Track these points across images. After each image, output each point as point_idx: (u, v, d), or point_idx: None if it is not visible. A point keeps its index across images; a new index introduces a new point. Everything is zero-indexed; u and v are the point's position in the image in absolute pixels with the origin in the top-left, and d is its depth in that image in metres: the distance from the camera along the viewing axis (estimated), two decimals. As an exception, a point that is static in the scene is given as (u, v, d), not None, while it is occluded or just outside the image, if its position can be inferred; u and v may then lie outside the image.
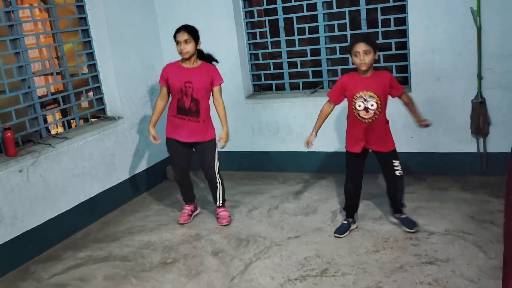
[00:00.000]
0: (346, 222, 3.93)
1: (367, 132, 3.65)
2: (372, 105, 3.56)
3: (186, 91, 4.00)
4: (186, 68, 4.04)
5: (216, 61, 4.19)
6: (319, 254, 3.64)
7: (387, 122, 3.73)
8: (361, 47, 3.45)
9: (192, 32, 3.96)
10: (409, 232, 3.77)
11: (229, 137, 4.18)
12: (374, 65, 3.62)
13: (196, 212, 4.55)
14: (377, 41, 3.62)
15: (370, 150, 3.77)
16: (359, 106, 3.59)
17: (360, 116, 3.61)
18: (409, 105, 3.77)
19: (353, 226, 3.95)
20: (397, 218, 3.89)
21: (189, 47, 3.94)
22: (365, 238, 3.80)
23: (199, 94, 4.02)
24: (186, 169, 4.34)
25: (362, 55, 3.45)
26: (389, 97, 3.71)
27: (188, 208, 4.47)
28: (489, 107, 4.51)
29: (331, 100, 3.76)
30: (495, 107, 4.50)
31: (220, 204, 4.38)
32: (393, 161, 3.70)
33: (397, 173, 3.71)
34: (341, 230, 3.89)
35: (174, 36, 3.98)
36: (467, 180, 4.63)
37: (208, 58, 4.16)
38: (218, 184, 4.31)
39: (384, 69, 5.16)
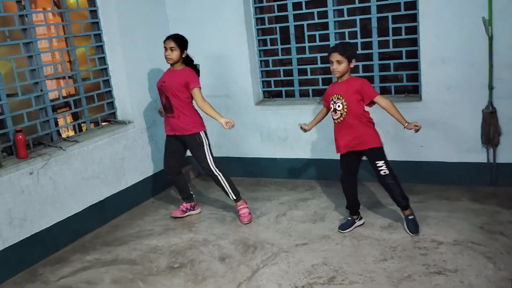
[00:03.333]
0: (350, 218, 4.10)
1: (340, 132, 3.89)
2: (338, 106, 3.82)
3: (161, 89, 4.38)
4: (169, 70, 4.43)
5: (196, 67, 4.47)
6: (326, 261, 3.63)
7: (364, 122, 3.84)
8: (334, 57, 3.75)
9: (178, 41, 4.29)
10: (409, 234, 3.85)
11: (229, 121, 4.21)
12: (356, 74, 3.89)
13: (194, 212, 4.72)
14: (354, 50, 3.85)
15: (359, 153, 3.93)
16: (331, 107, 3.90)
17: (332, 117, 3.91)
18: (388, 109, 3.81)
19: (359, 222, 4.11)
20: (404, 217, 3.96)
21: (173, 55, 4.29)
22: (373, 246, 3.78)
23: (170, 93, 4.31)
24: (174, 168, 4.58)
25: (335, 64, 3.75)
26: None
27: (184, 205, 4.69)
28: (500, 117, 4.48)
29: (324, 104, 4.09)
30: (506, 117, 4.47)
31: (234, 198, 4.45)
32: (376, 162, 3.83)
33: (381, 172, 3.82)
34: (345, 226, 4.07)
35: (164, 42, 4.33)
36: (476, 190, 4.60)
37: (191, 65, 4.45)
38: (219, 177, 4.39)
39: (394, 77, 5.17)
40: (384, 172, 3.81)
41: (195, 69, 4.45)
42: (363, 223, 4.12)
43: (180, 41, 4.30)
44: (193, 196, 4.76)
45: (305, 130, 4.21)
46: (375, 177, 3.94)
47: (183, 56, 4.35)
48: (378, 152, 3.85)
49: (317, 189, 5.08)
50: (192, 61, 4.48)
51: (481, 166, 4.66)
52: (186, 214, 4.69)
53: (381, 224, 4.13)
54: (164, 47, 4.31)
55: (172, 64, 4.37)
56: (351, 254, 3.69)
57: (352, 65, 3.81)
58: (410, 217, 3.92)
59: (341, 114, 3.83)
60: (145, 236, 4.37)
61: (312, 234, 4.10)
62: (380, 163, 3.81)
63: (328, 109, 3.99)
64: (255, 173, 5.57)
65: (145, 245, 4.18)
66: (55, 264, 3.99)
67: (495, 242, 3.65)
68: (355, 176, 4.07)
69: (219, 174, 4.39)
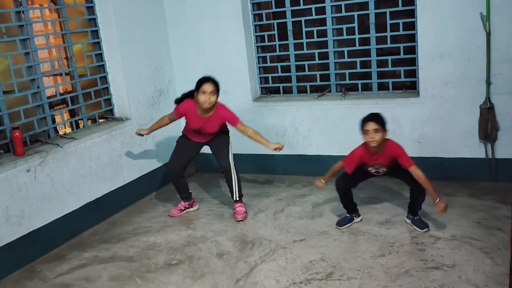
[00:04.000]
0: (348, 215, 4.11)
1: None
2: (382, 170, 3.88)
3: (200, 131, 4.37)
4: (202, 117, 4.29)
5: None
6: (324, 257, 3.63)
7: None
8: (370, 126, 3.68)
9: (217, 85, 4.21)
10: (419, 231, 3.84)
11: (279, 144, 4.32)
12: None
13: (192, 209, 4.73)
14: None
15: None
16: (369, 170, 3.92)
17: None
18: (422, 182, 3.73)
19: (357, 219, 4.13)
20: (410, 219, 3.97)
21: (214, 99, 4.17)
22: (371, 242, 3.78)
23: (212, 133, 4.40)
24: (180, 169, 4.53)
25: (372, 133, 3.68)
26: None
27: (183, 204, 4.69)
28: (498, 113, 4.48)
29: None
30: (503, 113, 4.47)
31: (237, 199, 4.47)
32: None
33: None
34: (343, 222, 4.09)
35: (200, 85, 4.15)
36: (474, 185, 4.61)
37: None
38: (233, 176, 4.41)
39: (392, 73, 5.17)
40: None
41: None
42: (361, 219, 4.12)
43: (218, 85, 4.22)
44: (191, 194, 4.75)
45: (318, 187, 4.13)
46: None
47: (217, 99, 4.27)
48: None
49: (315, 185, 5.07)
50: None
51: (479, 162, 4.66)
52: (184, 212, 4.69)
53: (378, 219, 4.13)
54: (203, 90, 4.13)
55: (205, 108, 4.22)
56: (349, 250, 3.70)
57: (386, 135, 3.74)
58: (416, 217, 3.94)
59: (385, 172, 3.90)
60: (143, 233, 4.37)
61: (310, 230, 4.10)
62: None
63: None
64: (252, 169, 5.56)
65: (143, 242, 4.18)
66: (53, 261, 3.99)
67: (493, 237, 3.66)
68: (355, 186, 4.06)
69: (233, 174, 4.42)
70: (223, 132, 4.48)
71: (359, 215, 4.14)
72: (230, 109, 4.35)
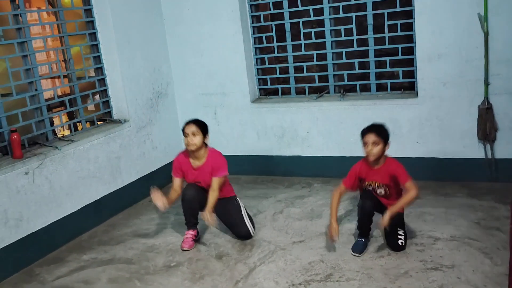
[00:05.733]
0: (362, 240, 3.70)
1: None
2: (380, 192, 3.63)
3: (196, 183, 4.02)
4: (195, 168, 4.00)
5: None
6: (323, 259, 3.63)
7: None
8: (369, 137, 3.50)
9: (201, 125, 3.92)
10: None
11: (209, 217, 3.79)
12: None
13: (198, 236, 4.14)
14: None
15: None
16: (367, 189, 3.67)
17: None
18: (407, 198, 3.49)
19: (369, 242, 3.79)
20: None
21: (196, 140, 3.88)
22: (370, 243, 3.77)
23: (206, 185, 4.00)
24: (199, 192, 3.98)
25: (371, 145, 3.50)
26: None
27: (192, 233, 4.07)
28: (496, 113, 4.48)
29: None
30: (502, 113, 4.47)
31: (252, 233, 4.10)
32: (398, 229, 3.61)
33: (399, 242, 3.59)
34: (358, 249, 3.65)
35: (182, 129, 3.94)
36: (473, 186, 4.61)
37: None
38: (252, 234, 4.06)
39: (390, 74, 5.17)
40: (401, 243, 3.58)
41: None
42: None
43: (202, 126, 3.93)
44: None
45: (331, 238, 3.65)
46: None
47: (205, 141, 3.95)
48: (400, 217, 3.65)
49: (314, 186, 5.08)
50: None
51: (478, 162, 4.66)
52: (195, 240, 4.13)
53: (376, 221, 4.11)
54: (185, 133, 3.89)
55: (192, 152, 3.94)
56: (348, 251, 3.69)
57: (387, 149, 3.56)
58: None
59: (383, 195, 3.65)
60: (142, 235, 4.36)
61: (309, 231, 4.09)
62: (401, 231, 3.61)
63: (352, 189, 3.76)
64: (251, 171, 5.56)
65: (142, 244, 4.17)
66: (51, 264, 3.98)
67: (492, 238, 3.66)
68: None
69: (252, 233, 4.08)
70: (230, 199, 4.09)
71: (369, 239, 3.79)
72: (223, 159, 4.01)
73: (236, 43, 5.33)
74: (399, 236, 3.60)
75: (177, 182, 4.09)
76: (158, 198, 3.91)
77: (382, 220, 3.44)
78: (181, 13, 5.47)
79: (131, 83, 5.06)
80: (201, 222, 4.03)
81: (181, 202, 4.02)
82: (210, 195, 3.88)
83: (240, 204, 4.12)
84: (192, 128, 3.88)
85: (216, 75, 5.51)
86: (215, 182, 3.92)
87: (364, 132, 3.57)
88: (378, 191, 3.64)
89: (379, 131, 3.53)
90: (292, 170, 5.42)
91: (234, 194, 4.17)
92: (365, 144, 3.55)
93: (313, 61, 5.27)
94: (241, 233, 4.04)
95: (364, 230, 3.70)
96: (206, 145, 3.99)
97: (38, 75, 4.33)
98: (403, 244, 3.59)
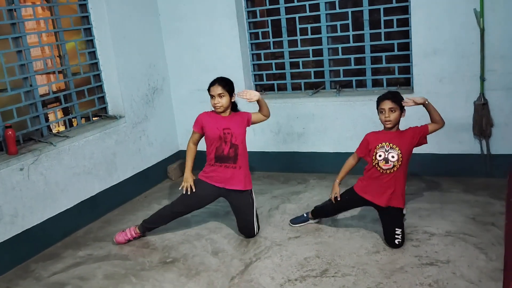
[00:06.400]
0: (305, 215, 4.10)
1: (382, 185, 3.63)
2: (392, 156, 3.58)
3: (225, 138, 3.90)
4: (222, 117, 3.94)
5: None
6: (319, 254, 3.63)
7: (406, 178, 3.69)
8: (386, 104, 3.52)
9: (226, 85, 3.87)
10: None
11: (254, 94, 3.89)
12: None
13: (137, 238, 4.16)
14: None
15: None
16: (378, 157, 3.62)
17: (377, 167, 3.63)
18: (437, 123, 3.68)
19: (311, 221, 4.10)
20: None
21: (224, 101, 3.86)
22: (366, 239, 3.78)
23: (238, 139, 3.91)
24: (185, 212, 4.08)
25: (387, 112, 3.52)
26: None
27: (136, 233, 4.12)
28: (492, 109, 4.49)
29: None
30: (497, 109, 4.48)
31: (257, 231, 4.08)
32: (396, 228, 3.60)
33: (396, 241, 3.59)
34: (296, 220, 4.11)
35: (208, 89, 3.90)
36: (468, 181, 4.62)
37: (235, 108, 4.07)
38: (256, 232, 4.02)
39: (386, 70, 5.17)
40: (398, 242, 3.57)
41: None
42: (317, 221, 4.11)
43: (228, 85, 3.88)
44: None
45: (335, 198, 3.84)
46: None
47: (232, 101, 3.93)
48: (399, 215, 3.67)
49: (310, 182, 5.08)
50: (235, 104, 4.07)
51: (473, 158, 4.67)
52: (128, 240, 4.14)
53: (373, 216, 4.12)
54: (211, 94, 3.87)
55: (220, 112, 3.92)
56: (344, 247, 3.70)
57: (403, 115, 3.60)
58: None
59: (394, 165, 3.56)
60: (138, 231, 4.36)
61: (304, 227, 4.09)
62: (399, 231, 3.58)
63: (365, 158, 3.73)
64: (248, 167, 5.55)
65: (137, 240, 4.16)
66: (47, 260, 3.97)
67: (487, 233, 3.67)
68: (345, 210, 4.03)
69: (256, 233, 4.05)
70: (247, 193, 4.00)
71: (316, 220, 4.09)
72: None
73: (232, 38, 5.31)
74: (396, 236, 3.59)
75: (196, 136, 4.03)
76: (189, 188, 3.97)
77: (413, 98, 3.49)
78: (177, 8, 5.45)
79: (126, 79, 5.04)
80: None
81: (162, 209, 4.12)
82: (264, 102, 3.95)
83: (254, 201, 4.04)
84: (218, 90, 3.84)
85: (212, 70, 5.45)
86: (255, 115, 4.01)
87: (381, 99, 3.57)
88: (390, 155, 3.57)
89: (395, 98, 3.54)
90: (288, 166, 5.41)
91: (251, 187, 4.04)
92: (381, 111, 3.55)
93: (309, 57, 5.26)
94: (245, 231, 4.02)
95: (318, 214, 4.03)
96: (232, 103, 3.96)
97: (33, 70, 4.31)
98: (400, 243, 3.60)
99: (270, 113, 4.06)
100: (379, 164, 3.60)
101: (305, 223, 4.09)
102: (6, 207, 3.84)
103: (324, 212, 4.04)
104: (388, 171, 3.59)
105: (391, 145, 3.58)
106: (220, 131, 3.89)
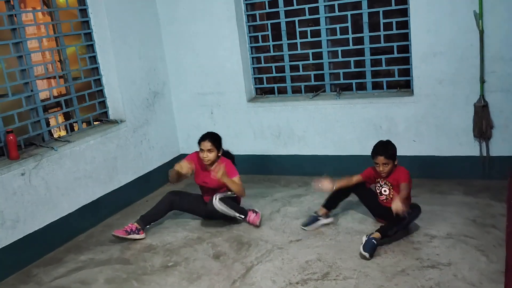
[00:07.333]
0: (315, 215, 4.16)
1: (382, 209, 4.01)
2: (385, 190, 3.97)
3: (203, 187, 4.41)
4: (205, 169, 4.32)
5: (232, 157, 4.52)
6: (320, 257, 3.63)
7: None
8: (380, 160, 3.85)
9: (215, 141, 4.24)
10: (361, 253, 3.56)
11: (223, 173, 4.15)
12: None
13: (137, 236, 4.23)
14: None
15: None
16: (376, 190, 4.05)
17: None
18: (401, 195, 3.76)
19: (325, 221, 4.14)
20: (372, 239, 3.63)
21: (211, 156, 4.21)
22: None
23: (216, 185, 4.26)
24: (178, 205, 4.40)
25: (382, 166, 3.86)
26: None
27: (130, 226, 4.23)
28: (492, 111, 4.50)
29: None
30: (497, 111, 4.49)
31: (242, 217, 4.28)
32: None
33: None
34: (308, 222, 4.13)
35: (199, 143, 4.24)
36: (469, 183, 4.62)
37: (226, 154, 4.43)
38: (222, 210, 4.18)
39: (386, 72, 5.18)
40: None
41: (230, 155, 4.48)
42: (331, 221, 4.15)
43: (217, 141, 4.25)
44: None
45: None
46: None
47: (219, 155, 4.29)
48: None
49: (310, 185, 5.04)
50: (227, 151, 4.48)
51: (474, 160, 4.67)
52: (129, 236, 4.21)
53: (374, 220, 4.13)
54: (200, 148, 4.23)
55: (207, 164, 4.27)
56: (345, 250, 3.70)
57: (396, 163, 3.90)
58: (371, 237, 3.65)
59: (387, 198, 3.96)
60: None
61: (305, 230, 4.10)
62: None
63: (367, 181, 4.08)
64: (248, 170, 5.54)
65: (139, 244, 4.17)
66: (48, 265, 3.98)
67: (488, 235, 3.67)
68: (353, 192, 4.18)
69: (222, 208, 4.21)
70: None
71: (328, 217, 4.17)
72: (233, 166, 4.34)
73: (232, 42, 5.33)
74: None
75: (186, 163, 4.24)
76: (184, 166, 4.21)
77: (395, 204, 3.60)
78: (177, 12, 5.46)
79: (127, 83, 5.05)
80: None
81: (163, 201, 4.37)
82: (231, 182, 4.20)
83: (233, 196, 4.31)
84: (208, 145, 4.20)
85: (212, 74, 5.50)
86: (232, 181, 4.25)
87: (375, 154, 3.88)
88: (383, 190, 3.96)
89: (387, 153, 3.84)
90: (288, 169, 5.42)
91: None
92: (376, 164, 3.89)
93: (309, 60, 5.27)
94: (208, 208, 4.22)
95: (330, 204, 4.16)
96: (219, 157, 4.30)
97: (33, 75, 4.32)
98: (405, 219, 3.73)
99: (244, 194, 4.38)
100: (378, 194, 4.03)
101: (316, 223, 4.11)
102: (8, 212, 3.84)
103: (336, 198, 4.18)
104: (384, 201, 3.98)
105: (385, 181, 3.95)
106: (200, 180, 4.38)
